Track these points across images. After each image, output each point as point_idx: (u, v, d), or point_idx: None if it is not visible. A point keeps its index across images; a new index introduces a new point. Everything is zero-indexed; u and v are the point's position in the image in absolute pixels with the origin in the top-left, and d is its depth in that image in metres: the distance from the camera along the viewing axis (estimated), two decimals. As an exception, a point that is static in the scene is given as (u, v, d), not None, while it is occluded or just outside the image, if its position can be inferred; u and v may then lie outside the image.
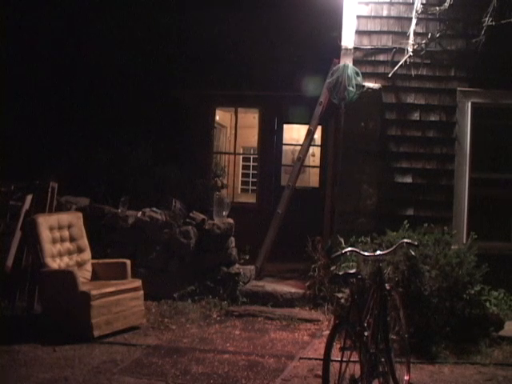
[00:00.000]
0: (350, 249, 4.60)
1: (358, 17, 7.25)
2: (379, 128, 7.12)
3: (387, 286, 4.36)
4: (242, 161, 12.80)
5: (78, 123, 9.52)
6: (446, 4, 6.95)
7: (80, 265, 6.34)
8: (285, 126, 10.68)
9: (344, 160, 7.18)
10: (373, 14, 7.25)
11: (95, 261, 6.53)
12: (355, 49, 7.22)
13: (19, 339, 5.55)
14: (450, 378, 4.95)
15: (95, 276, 6.43)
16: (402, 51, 7.10)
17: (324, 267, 6.82)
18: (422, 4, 7.08)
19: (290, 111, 10.10)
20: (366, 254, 4.70)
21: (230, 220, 7.45)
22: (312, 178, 11.90)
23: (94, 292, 5.74)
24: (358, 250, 4.67)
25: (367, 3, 7.25)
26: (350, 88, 6.89)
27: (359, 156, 7.06)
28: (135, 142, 8.78)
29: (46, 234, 6.08)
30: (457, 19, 7.11)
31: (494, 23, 6.74)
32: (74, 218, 6.54)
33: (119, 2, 9.74)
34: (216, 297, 7.07)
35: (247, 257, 7.59)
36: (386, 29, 7.23)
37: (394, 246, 4.64)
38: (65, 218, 6.45)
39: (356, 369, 3.84)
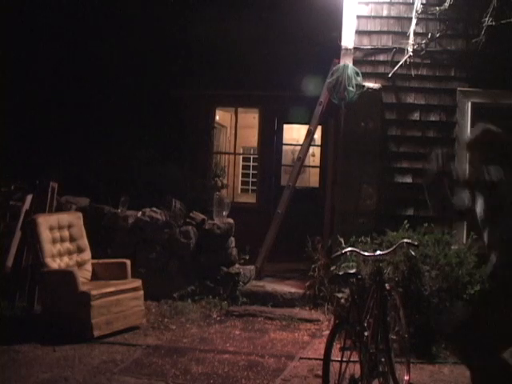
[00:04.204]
0: (349, 249, 4.61)
1: (358, 17, 7.24)
2: (379, 128, 7.12)
3: (387, 286, 4.36)
4: (242, 161, 12.78)
5: (78, 123, 9.52)
6: (446, 4, 6.94)
7: (80, 265, 6.35)
8: (285, 125, 10.67)
9: (344, 160, 7.18)
10: (373, 14, 7.24)
11: (95, 261, 6.53)
12: (355, 49, 7.21)
13: (19, 339, 5.55)
14: (450, 377, 4.95)
15: (95, 276, 6.43)
16: (401, 51, 7.09)
17: (324, 267, 6.82)
18: (422, 4, 7.07)
19: (290, 111, 10.09)
20: (366, 254, 4.70)
21: (230, 220, 7.46)
22: (312, 178, 11.90)
23: (93, 292, 5.74)
24: (358, 250, 4.67)
25: (367, 3, 7.25)
26: (350, 88, 6.89)
27: (359, 156, 7.05)
28: (135, 141, 8.78)
29: (46, 234, 6.08)
30: (457, 19, 7.10)
31: (493, 23, 6.73)
32: (74, 218, 6.54)
33: (119, 1, 9.74)
34: (216, 297, 7.07)
35: (247, 257, 7.59)
36: (385, 29, 7.22)
37: (394, 246, 4.64)
38: (65, 218, 6.46)
39: (356, 369, 3.84)
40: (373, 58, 7.22)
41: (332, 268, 6.49)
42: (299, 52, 9.23)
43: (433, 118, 7.13)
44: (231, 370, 4.97)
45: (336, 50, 7.31)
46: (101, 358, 5.22)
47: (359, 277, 4.27)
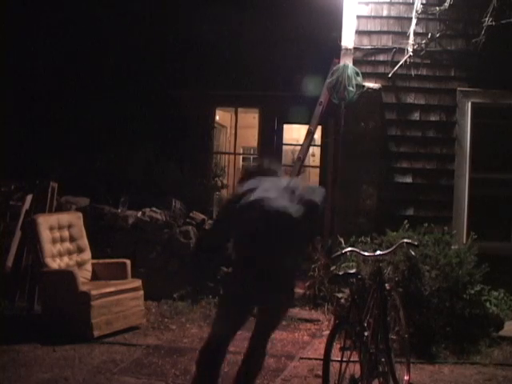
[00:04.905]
0: (349, 249, 4.61)
1: (358, 17, 7.24)
2: (379, 128, 7.12)
3: (387, 286, 4.36)
4: (242, 161, 12.78)
5: (79, 123, 9.52)
6: (446, 4, 6.94)
7: (80, 265, 6.34)
8: (285, 125, 10.66)
9: (344, 160, 7.18)
10: (373, 14, 7.25)
11: (95, 261, 6.52)
12: (355, 49, 7.21)
13: (19, 339, 5.54)
14: (450, 378, 4.94)
15: (95, 276, 6.43)
16: (401, 51, 7.10)
17: (324, 267, 6.82)
18: (422, 4, 7.07)
19: (290, 111, 10.07)
20: (366, 254, 4.70)
21: (230, 220, 7.43)
22: (312, 178, 11.88)
23: (93, 292, 5.74)
24: (358, 250, 4.68)
25: (367, 3, 7.25)
26: (350, 88, 6.89)
27: (359, 156, 7.06)
28: (135, 142, 8.78)
29: (46, 234, 6.07)
30: (457, 19, 7.10)
31: (493, 23, 6.73)
32: (74, 218, 6.53)
33: (118, 1, 9.74)
34: (216, 297, 7.06)
35: (247, 257, 7.56)
36: (385, 29, 7.23)
37: (394, 246, 4.64)
38: (65, 218, 6.45)
39: (356, 369, 3.84)
40: (373, 58, 7.22)
41: (332, 268, 6.48)
42: (299, 52, 9.23)
43: (433, 118, 7.13)
44: (231, 370, 4.94)
45: (336, 50, 7.31)
46: (101, 358, 5.21)
47: (359, 277, 4.27)
